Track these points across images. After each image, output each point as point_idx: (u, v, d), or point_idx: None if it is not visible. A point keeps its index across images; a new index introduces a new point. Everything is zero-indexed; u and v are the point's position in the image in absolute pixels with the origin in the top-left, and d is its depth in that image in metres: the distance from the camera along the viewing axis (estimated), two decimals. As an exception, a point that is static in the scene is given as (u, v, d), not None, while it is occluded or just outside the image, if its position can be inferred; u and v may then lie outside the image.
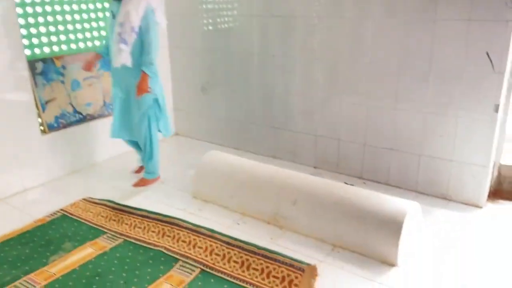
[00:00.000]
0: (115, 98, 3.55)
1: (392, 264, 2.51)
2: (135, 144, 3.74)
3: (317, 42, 3.66)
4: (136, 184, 3.66)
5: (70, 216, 3.17)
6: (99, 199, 3.36)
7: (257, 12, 3.95)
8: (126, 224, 3.02)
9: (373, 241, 2.57)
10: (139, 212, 3.09)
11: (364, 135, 3.62)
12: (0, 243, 2.83)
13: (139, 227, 2.97)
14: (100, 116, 4.17)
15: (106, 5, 4.16)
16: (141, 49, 3.27)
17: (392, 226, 2.51)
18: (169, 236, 2.84)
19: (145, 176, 3.68)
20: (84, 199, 3.38)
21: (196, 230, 2.82)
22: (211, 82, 4.48)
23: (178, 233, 2.84)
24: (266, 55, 4.00)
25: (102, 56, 3.61)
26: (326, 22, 3.57)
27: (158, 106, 3.52)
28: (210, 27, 4.32)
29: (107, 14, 4.05)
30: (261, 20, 3.94)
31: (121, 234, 2.92)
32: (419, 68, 3.21)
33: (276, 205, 2.92)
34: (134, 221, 3.04)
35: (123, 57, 3.21)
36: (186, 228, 2.86)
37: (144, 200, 3.33)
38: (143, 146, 3.57)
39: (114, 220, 3.08)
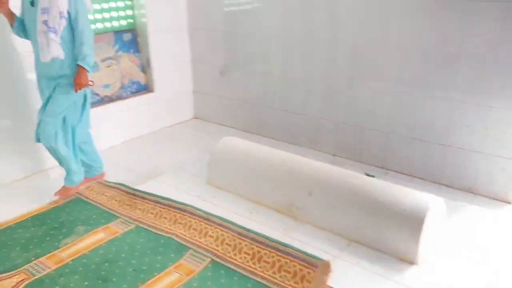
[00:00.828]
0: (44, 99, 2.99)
1: (411, 262, 2.38)
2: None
3: (340, 24, 3.47)
4: (58, 193, 3.17)
5: (85, 199, 3.16)
6: (113, 183, 3.33)
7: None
8: (139, 209, 2.99)
9: (392, 237, 2.44)
10: (151, 198, 3.04)
11: (387, 123, 3.44)
12: (15, 224, 2.85)
13: (152, 213, 2.93)
14: (118, 98, 4.14)
15: (125, -16, 4.06)
16: (72, 38, 2.80)
17: (412, 222, 2.37)
18: (180, 223, 2.78)
19: (68, 183, 3.16)
20: (99, 182, 3.36)
21: (207, 218, 2.75)
22: (231, 65, 4.36)
23: (189, 221, 2.78)
24: (286, 38, 3.84)
25: (12, 25, 2.87)
26: (350, 2, 3.37)
27: (85, 101, 3.05)
28: (232, 8, 4.17)
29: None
30: (283, 2, 3.77)
31: (133, 220, 2.89)
32: (448, 53, 2.99)
33: (291, 195, 2.81)
34: (147, 206, 2.99)
35: (53, 49, 2.72)
36: (198, 215, 2.79)
37: (158, 184, 3.29)
38: (54, 152, 3.01)
39: (128, 205, 3.04)
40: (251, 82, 4.24)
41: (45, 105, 2.94)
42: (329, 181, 2.73)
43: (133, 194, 3.13)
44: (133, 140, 4.25)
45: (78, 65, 2.82)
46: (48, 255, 2.54)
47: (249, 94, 4.30)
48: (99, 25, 3.94)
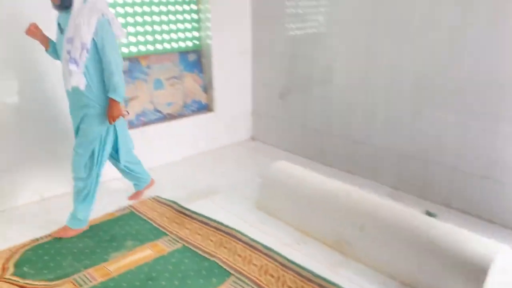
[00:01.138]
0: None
1: (471, 317, 2.13)
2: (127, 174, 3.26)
3: (405, 50, 3.30)
4: (57, 233, 2.93)
5: (138, 213, 3.23)
6: (166, 199, 3.38)
7: (342, 18, 3.70)
8: (187, 228, 2.99)
9: (451, 287, 2.20)
10: (200, 218, 3.05)
11: (455, 158, 3.18)
12: (70, 233, 2.96)
13: (199, 234, 2.92)
14: (180, 115, 4.24)
15: (194, 6, 4.21)
16: (98, 67, 2.70)
17: (475, 272, 2.13)
18: (225, 247, 2.74)
19: (69, 223, 2.94)
20: (152, 198, 3.44)
21: (253, 245, 2.69)
22: (291, 88, 4.32)
23: (235, 246, 2.73)
24: (349, 63, 3.73)
25: (46, 50, 2.89)
26: (418, 28, 3.20)
27: (115, 132, 2.92)
28: (295, 32, 4.15)
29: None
30: (346, 26, 3.68)
31: (181, 239, 2.89)
32: (529, 86, 2.72)
33: (342, 228, 2.67)
34: (195, 226, 2.99)
35: (74, 79, 2.66)
36: (243, 241, 2.74)
37: (209, 204, 3.29)
38: (77, 181, 2.91)
39: (177, 223, 3.06)
40: (311, 107, 4.16)
41: (76, 134, 2.90)
42: (384, 217, 2.55)
43: (183, 213, 3.15)
44: (191, 157, 4.32)
45: (110, 97, 2.73)
46: (97, 267, 2.61)
47: (308, 118, 4.22)
48: (166, 45, 4.09)
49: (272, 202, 3.11)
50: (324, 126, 4.08)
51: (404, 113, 3.43)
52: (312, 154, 4.25)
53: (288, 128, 4.45)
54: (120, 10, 3.71)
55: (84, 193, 2.90)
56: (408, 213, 2.57)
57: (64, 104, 3.48)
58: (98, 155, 2.86)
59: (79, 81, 2.67)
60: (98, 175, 2.93)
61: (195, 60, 4.31)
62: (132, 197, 3.43)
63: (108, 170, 3.72)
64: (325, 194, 2.84)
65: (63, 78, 2.75)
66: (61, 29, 2.71)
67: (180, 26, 4.15)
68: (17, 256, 2.69)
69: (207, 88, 4.43)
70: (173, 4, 4.05)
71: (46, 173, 3.48)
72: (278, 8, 4.21)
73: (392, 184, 3.62)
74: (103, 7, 2.64)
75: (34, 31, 2.75)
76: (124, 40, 2.81)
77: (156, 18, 3.96)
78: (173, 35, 4.12)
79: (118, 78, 2.69)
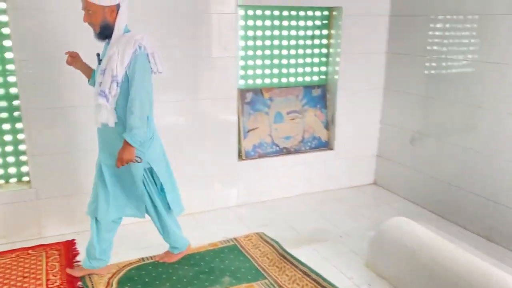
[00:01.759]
0: (99, 166, 2.62)
1: None
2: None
3: None
4: (160, 258, 2.96)
5: (240, 248, 3.14)
6: (270, 238, 3.23)
7: (494, 59, 3.17)
8: (287, 275, 2.78)
9: None
10: (301, 267, 2.81)
11: None
12: (173, 259, 2.99)
13: (298, 284, 2.68)
14: (296, 151, 4.10)
15: (324, 41, 4.08)
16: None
17: None
18: (323, 306, 2.46)
19: (169, 249, 2.95)
20: (257, 234, 3.32)
21: (354, 311, 2.35)
22: (423, 133, 3.85)
23: (334, 307, 2.42)
24: (495, 112, 3.16)
25: (88, 80, 2.70)
26: None
27: (156, 176, 2.66)
28: (434, 71, 3.72)
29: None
30: (497, 69, 3.14)
31: (278, 285, 2.69)
32: None
33: (469, 313, 2.17)
34: (295, 275, 2.76)
35: (102, 114, 2.42)
36: (344, 304, 2.42)
37: (312, 252, 3.03)
38: (154, 222, 2.81)
39: (277, 267, 2.87)
40: (446, 156, 3.64)
41: (98, 172, 2.63)
42: (529, 311, 2.00)
43: (285, 257, 2.95)
44: (304, 195, 4.12)
45: (124, 138, 2.40)
46: (189, 300, 2.56)
47: (442, 169, 3.69)
48: (291, 79, 4.03)
49: (384, 262, 2.72)
50: (460, 180, 3.51)
51: None
52: (442, 211, 3.69)
53: (416, 177, 3.96)
54: (250, 43, 3.77)
55: (160, 228, 2.84)
56: None
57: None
58: (150, 196, 2.69)
59: (108, 117, 2.43)
60: (158, 214, 2.76)
61: (320, 95, 4.15)
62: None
63: (215, 200, 3.77)
64: (451, 266, 2.35)
65: (94, 113, 2.50)
66: (99, 60, 2.52)
67: (308, 60, 4.05)
68: (122, 273, 2.80)
69: (329, 124, 4.22)
70: (304, 38, 3.98)
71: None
72: (418, 44, 3.83)
73: (544, 264, 2.91)
74: (142, 39, 2.39)
75: (70, 61, 2.59)
76: (163, 75, 2.56)
77: (284, 51, 3.93)
78: (299, 69, 4.05)
79: (137, 118, 2.36)
